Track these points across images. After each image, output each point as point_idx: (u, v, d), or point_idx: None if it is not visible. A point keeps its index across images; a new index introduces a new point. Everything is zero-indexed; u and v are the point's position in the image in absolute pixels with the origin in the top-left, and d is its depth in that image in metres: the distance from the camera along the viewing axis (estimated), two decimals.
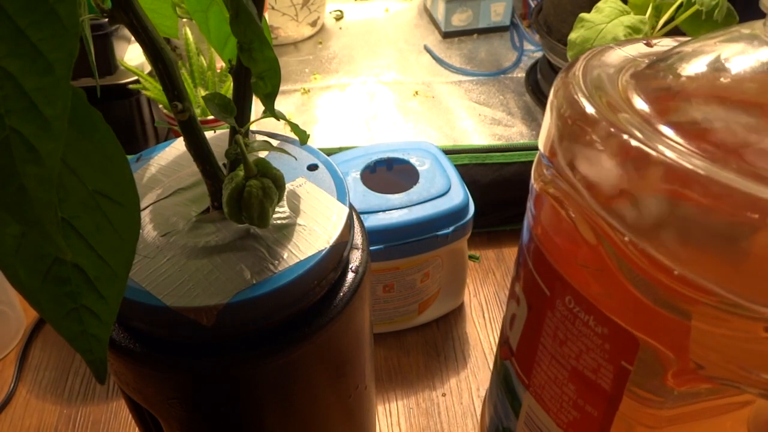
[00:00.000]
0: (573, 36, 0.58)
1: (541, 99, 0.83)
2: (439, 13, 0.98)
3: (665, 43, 0.24)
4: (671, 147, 0.18)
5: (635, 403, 0.21)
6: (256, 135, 0.31)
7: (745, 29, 0.21)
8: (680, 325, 0.18)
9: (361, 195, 0.46)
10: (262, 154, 0.30)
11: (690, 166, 0.17)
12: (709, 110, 0.20)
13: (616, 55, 0.24)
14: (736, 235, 0.16)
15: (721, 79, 0.21)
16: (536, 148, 0.24)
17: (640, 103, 0.20)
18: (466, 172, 0.58)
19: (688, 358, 0.18)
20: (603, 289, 0.21)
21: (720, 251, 0.17)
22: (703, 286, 0.17)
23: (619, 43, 0.24)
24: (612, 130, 0.19)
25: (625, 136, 0.19)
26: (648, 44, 0.24)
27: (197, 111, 0.63)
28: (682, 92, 0.21)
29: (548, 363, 0.24)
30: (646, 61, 0.23)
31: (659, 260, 0.18)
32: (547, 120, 0.23)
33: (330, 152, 0.56)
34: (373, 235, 0.44)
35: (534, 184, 0.24)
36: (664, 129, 0.19)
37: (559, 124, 0.22)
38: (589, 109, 0.20)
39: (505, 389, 0.28)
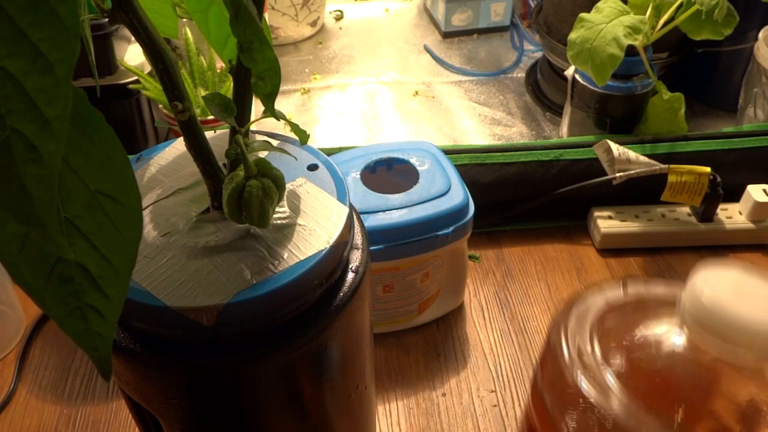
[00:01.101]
0: (573, 36, 0.58)
1: (541, 99, 0.83)
2: (439, 13, 0.98)
3: (635, 289, 0.31)
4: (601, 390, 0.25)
5: None
6: (256, 135, 0.31)
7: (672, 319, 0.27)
8: None
9: (361, 195, 0.46)
10: (262, 154, 0.30)
11: (607, 409, 0.25)
12: (630, 366, 0.27)
13: (598, 300, 0.30)
14: None
15: (641, 350, 0.28)
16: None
17: (596, 346, 0.27)
18: (466, 172, 0.58)
19: None
20: None
21: None
22: None
23: (602, 289, 0.31)
24: (574, 374, 0.26)
25: (579, 383, 0.26)
26: (624, 286, 0.31)
27: (197, 111, 0.63)
28: (619, 345, 0.28)
29: None
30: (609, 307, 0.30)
31: None
32: (547, 367, 0.29)
33: (330, 152, 0.56)
34: (373, 235, 0.44)
35: (530, 404, 0.31)
36: (605, 372, 0.26)
37: (554, 373, 0.28)
38: (564, 355, 0.27)
39: None
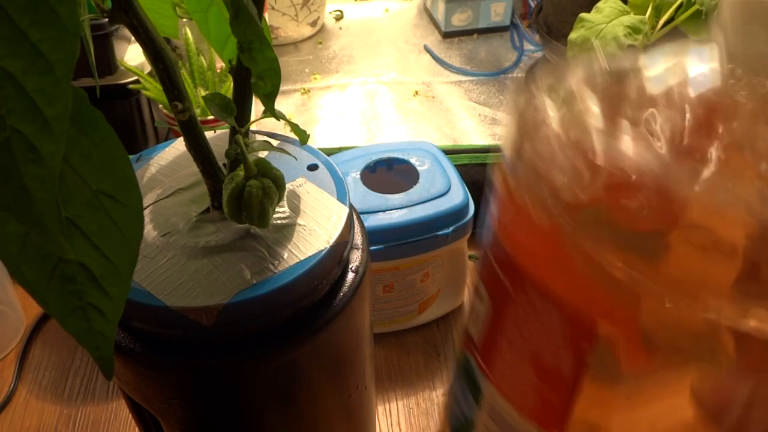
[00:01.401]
0: (573, 36, 0.58)
1: None
2: (439, 13, 0.98)
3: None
4: (612, 140, 0.19)
5: (593, 388, 0.22)
6: (256, 135, 0.31)
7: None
8: (632, 308, 0.19)
9: (361, 195, 0.46)
10: (262, 154, 0.30)
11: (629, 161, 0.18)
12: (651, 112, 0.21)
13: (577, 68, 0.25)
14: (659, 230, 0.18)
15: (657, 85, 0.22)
16: None
17: (591, 100, 0.21)
18: (466, 172, 0.58)
19: (640, 338, 0.20)
20: (561, 278, 0.21)
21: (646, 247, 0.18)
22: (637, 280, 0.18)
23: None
24: (561, 122, 0.20)
25: (573, 131, 0.20)
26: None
27: (197, 111, 0.63)
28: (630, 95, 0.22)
29: (510, 355, 0.25)
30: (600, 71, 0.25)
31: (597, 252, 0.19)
32: (510, 120, 0.24)
33: (330, 152, 0.56)
34: (373, 235, 0.44)
35: (495, 180, 0.26)
36: (611, 124, 0.20)
37: (518, 120, 0.23)
38: (544, 104, 0.21)
39: (466, 380, 0.29)
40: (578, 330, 0.21)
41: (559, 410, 0.23)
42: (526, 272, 0.23)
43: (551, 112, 0.21)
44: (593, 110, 0.21)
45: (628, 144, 0.19)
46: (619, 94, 0.22)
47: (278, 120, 0.27)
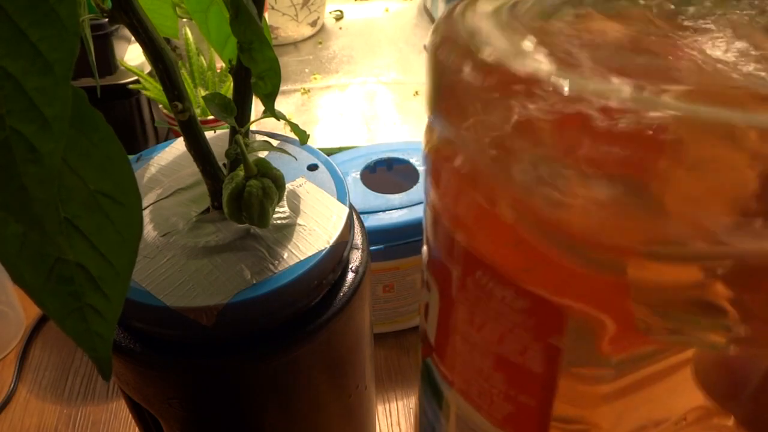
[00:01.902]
0: None
1: None
2: (439, 13, 0.98)
3: None
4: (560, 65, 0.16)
5: (573, 383, 0.19)
6: (256, 135, 0.31)
7: None
8: (615, 283, 0.16)
9: (361, 195, 0.46)
10: (262, 154, 0.30)
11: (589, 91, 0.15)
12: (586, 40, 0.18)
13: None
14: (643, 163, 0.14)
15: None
16: None
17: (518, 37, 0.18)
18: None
19: (626, 319, 0.17)
20: (518, 258, 0.18)
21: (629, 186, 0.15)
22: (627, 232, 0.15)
23: None
24: (497, 59, 0.17)
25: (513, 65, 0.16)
26: None
27: (197, 111, 0.63)
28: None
29: (469, 353, 0.22)
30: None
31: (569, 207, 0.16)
32: (428, 69, 0.21)
33: (330, 152, 0.56)
34: (373, 235, 0.44)
35: (425, 151, 0.22)
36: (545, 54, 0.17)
37: (438, 69, 0.20)
38: (468, 43, 0.18)
39: (430, 390, 0.26)
40: (546, 320, 0.18)
41: (535, 414, 0.20)
42: (472, 255, 0.19)
43: (473, 48, 0.18)
44: (527, 42, 0.18)
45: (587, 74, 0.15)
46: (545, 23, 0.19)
47: (278, 120, 0.27)
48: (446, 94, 0.19)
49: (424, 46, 0.99)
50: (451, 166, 0.20)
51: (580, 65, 0.16)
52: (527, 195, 0.16)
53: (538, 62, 0.16)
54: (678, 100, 0.14)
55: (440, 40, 0.20)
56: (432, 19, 1.02)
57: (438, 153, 0.21)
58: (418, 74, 0.91)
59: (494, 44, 0.18)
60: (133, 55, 0.68)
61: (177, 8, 0.29)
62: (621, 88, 0.15)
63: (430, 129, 0.22)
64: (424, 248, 0.25)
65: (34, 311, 0.54)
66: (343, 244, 0.27)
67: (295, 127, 0.29)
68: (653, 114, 0.14)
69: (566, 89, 0.15)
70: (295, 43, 0.98)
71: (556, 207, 0.16)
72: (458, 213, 0.20)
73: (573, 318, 0.18)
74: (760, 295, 0.15)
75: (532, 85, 0.16)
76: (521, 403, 0.21)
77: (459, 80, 0.18)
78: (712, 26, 0.18)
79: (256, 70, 0.24)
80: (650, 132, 0.14)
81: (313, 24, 0.99)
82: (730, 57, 0.16)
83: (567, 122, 0.15)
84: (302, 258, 0.25)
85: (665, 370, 0.18)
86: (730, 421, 0.19)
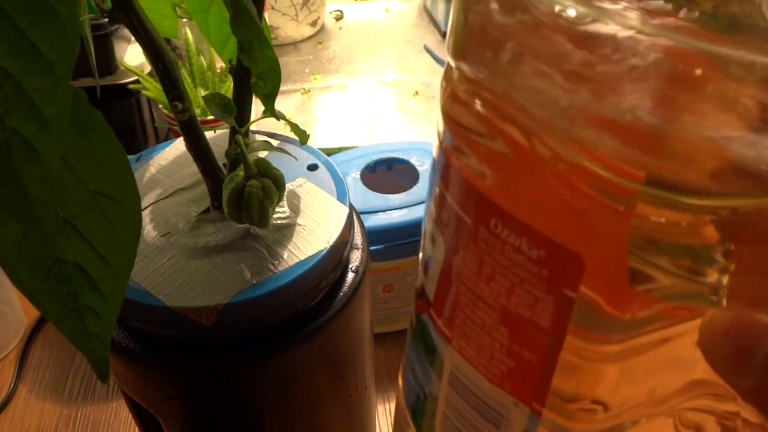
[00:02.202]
0: None
1: None
2: (439, 13, 0.98)
3: None
4: None
5: (578, 341, 0.19)
6: (256, 135, 0.31)
7: None
8: (623, 223, 0.16)
9: (361, 195, 0.46)
10: (262, 154, 0.30)
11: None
12: None
13: None
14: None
15: None
16: None
17: None
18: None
19: (629, 273, 0.17)
20: (534, 198, 0.18)
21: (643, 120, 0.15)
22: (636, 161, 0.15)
23: None
24: None
25: None
26: None
27: (197, 111, 0.63)
28: None
29: (473, 307, 0.21)
30: None
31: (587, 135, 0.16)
32: (453, 15, 0.21)
33: (330, 152, 0.56)
34: (373, 235, 0.44)
35: (441, 100, 0.22)
36: None
37: (463, 6, 0.20)
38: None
39: (423, 349, 0.25)
40: (561, 270, 0.18)
41: (537, 371, 0.20)
42: (489, 201, 0.19)
43: None
44: None
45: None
46: None
47: (278, 120, 0.27)
48: (476, 33, 0.19)
49: (425, 46, 0.99)
50: (475, 106, 0.19)
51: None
52: (552, 120, 0.16)
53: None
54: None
55: None
56: (432, 19, 1.02)
57: (460, 94, 0.20)
58: (418, 74, 0.91)
59: None
60: (133, 55, 0.68)
61: (177, 8, 0.29)
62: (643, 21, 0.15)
63: (449, 73, 0.21)
64: (430, 203, 0.24)
65: (34, 311, 0.54)
66: (343, 244, 0.27)
67: (295, 127, 0.29)
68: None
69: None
70: (295, 43, 0.98)
71: (574, 125, 0.16)
72: (480, 154, 0.19)
73: (587, 270, 0.17)
74: (755, 247, 0.15)
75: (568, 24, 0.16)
76: (523, 359, 0.20)
77: (496, 19, 0.18)
78: None
79: (256, 70, 0.24)
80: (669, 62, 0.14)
81: (313, 24, 0.99)
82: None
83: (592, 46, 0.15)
84: (302, 258, 0.25)
85: (668, 339, 0.18)
86: (731, 405, 0.18)
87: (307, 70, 0.92)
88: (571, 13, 0.16)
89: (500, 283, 0.20)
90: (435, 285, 0.24)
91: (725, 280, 0.16)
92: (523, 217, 0.18)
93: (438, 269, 0.23)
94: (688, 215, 0.16)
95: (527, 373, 0.20)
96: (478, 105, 0.19)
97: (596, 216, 0.17)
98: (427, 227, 0.25)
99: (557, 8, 0.16)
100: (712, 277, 0.16)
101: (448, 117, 0.21)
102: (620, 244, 0.16)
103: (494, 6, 0.18)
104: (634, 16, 0.15)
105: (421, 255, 0.26)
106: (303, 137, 0.29)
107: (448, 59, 0.21)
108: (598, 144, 0.16)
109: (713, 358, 0.17)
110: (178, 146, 0.31)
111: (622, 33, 0.15)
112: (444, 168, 0.22)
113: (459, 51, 0.20)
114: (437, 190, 0.23)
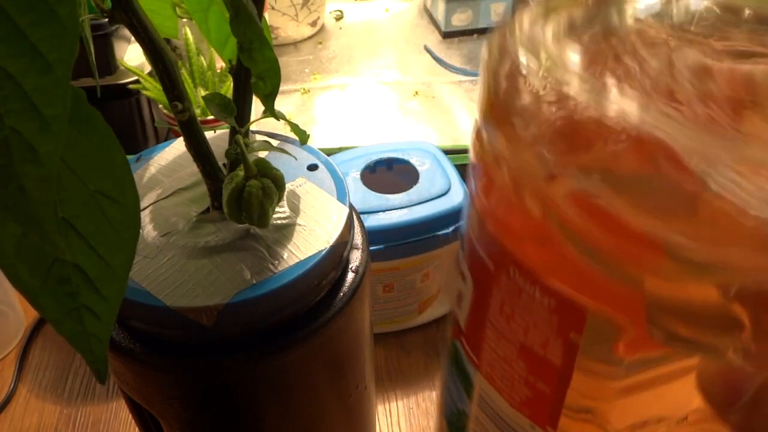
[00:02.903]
0: None
1: None
2: (439, 13, 0.98)
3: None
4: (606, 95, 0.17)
5: (586, 377, 0.21)
6: (256, 135, 0.31)
7: None
8: (633, 292, 0.18)
9: (361, 195, 0.46)
10: (262, 154, 0.30)
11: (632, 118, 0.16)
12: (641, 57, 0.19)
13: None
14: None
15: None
16: None
17: (572, 53, 0.20)
18: (467, 172, 0.58)
19: (642, 324, 0.18)
20: (547, 259, 0.20)
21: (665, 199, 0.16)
22: (650, 237, 0.16)
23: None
24: (546, 79, 0.18)
25: (563, 87, 0.18)
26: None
27: (197, 111, 0.63)
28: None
29: (497, 341, 0.24)
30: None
31: (600, 209, 0.17)
32: (482, 80, 0.22)
33: (330, 152, 0.56)
34: (373, 235, 0.44)
35: (471, 153, 0.24)
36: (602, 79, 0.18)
37: (491, 80, 0.21)
38: (523, 58, 0.19)
39: (456, 371, 0.28)
40: (567, 318, 0.20)
41: (549, 401, 0.22)
42: (508, 252, 0.21)
43: (528, 64, 0.19)
44: (574, 60, 0.19)
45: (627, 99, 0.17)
46: (603, 39, 0.20)
47: (278, 120, 0.27)
48: (502, 107, 0.21)
49: (425, 46, 0.99)
50: (495, 171, 0.21)
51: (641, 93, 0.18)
52: (565, 203, 0.18)
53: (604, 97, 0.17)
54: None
55: (498, 54, 0.21)
56: (432, 19, 1.02)
57: (486, 158, 0.22)
58: (418, 74, 0.91)
59: (562, 70, 0.19)
60: (133, 55, 0.68)
61: (177, 8, 0.29)
62: (669, 123, 0.16)
63: (479, 135, 0.23)
64: (463, 242, 0.26)
65: (35, 311, 0.53)
66: (343, 244, 0.27)
67: (295, 127, 0.29)
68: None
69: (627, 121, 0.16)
70: (295, 43, 0.98)
71: (587, 217, 0.17)
72: (498, 214, 0.22)
73: (592, 318, 0.19)
74: None
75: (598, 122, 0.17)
76: (538, 390, 0.22)
77: (520, 98, 0.20)
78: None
79: (256, 70, 0.24)
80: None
81: (313, 24, 0.99)
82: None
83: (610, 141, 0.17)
84: (302, 258, 0.25)
85: (672, 373, 0.20)
86: (726, 429, 0.20)
87: (307, 70, 0.92)
88: None
89: (518, 322, 0.22)
90: (465, 317, 0.26)
91: (742, 343, 0.17)
92: (536, 271, 0.20)
93: (468, 303, 0.25)
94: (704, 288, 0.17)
95: (541, 401, 0.23)
96: (501, 177, 0.21)
97: (604, 289, 0.18)
98: (459, 263, 0.27)
99: None
100: (729, 341, 0.17)
101: (478, 174, 0.24)
102: (631, 303, 0.18)
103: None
104: None
105: (454, 285, 0.29)
106: (303, 137, 0.29)
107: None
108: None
109: (708, 396, 0.19)
110: (178, 146, 0.31)
111: None
112: (473, 218, 0.24)
113: (485, 118, 0.22)
114: (467, 235, 0.25)
